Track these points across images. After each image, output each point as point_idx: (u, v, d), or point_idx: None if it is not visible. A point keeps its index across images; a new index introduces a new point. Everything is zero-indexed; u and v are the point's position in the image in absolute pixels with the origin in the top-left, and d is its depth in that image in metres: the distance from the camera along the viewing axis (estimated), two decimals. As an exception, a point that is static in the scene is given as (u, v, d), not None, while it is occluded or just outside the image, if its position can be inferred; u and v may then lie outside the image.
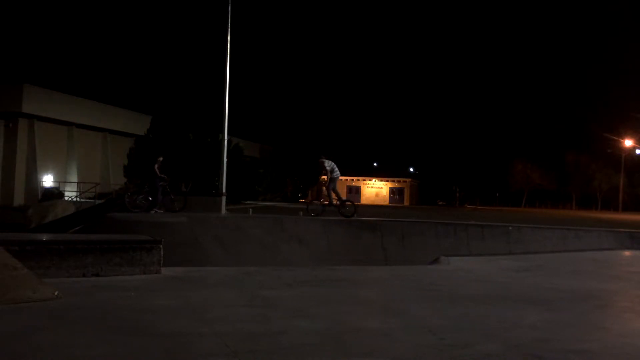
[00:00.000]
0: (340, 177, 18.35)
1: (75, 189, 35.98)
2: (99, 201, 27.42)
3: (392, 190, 68.21)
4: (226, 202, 19.25)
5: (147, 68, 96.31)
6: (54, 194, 32.58)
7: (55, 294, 5.33)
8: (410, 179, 69.86)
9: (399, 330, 4.61)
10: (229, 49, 19.58)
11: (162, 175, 15.96)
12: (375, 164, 79.62)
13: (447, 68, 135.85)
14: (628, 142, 59.10)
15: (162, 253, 7.13)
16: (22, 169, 34.59)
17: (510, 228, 15.28)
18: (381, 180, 68.40)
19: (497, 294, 6.60)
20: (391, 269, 9.90)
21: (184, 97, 37.98)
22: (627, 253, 13.51)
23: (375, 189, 68.02)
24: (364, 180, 68.33)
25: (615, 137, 59.90)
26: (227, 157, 19.96)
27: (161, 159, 16.42)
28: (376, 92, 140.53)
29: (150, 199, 15.75)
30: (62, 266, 6.42)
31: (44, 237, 9.25)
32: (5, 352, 3.64)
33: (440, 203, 69.64)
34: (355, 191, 67.26)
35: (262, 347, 3.93)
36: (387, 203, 63.72)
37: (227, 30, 19.46)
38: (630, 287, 7.63)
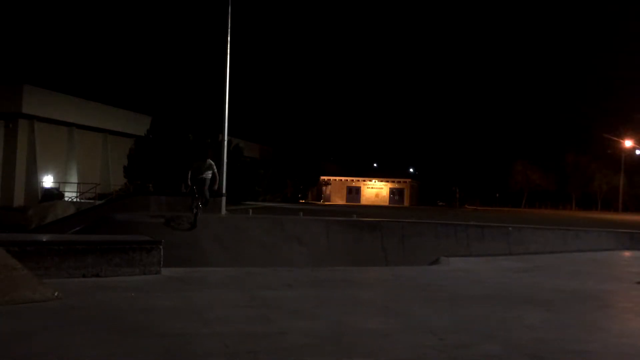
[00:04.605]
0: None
1: (75, 189, 35.95)
2: (99, 202, 27.42)
3: (392, 191, 68.16)
4: (226, 203, 19.25)
5: (147, 68, 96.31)
6: (54, 194, 32.54)
7: (55, 294, 5.33)
8: (410, 180, 69.83)
9: (399, 330, 4.61)
10: (229, 49, 19.59)
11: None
12: (375, 165, 79.70)
13: (447, 68, 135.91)
14: (628, 143, 59.09)
15: (162, 254, 7.13)
16: (22, 169, 34.56)
17: (510, 229, 15.28)
18: (381, 181, 68.38)
19: (497, 295, 6.60)
20: (391, 270, 9.90)
21: (184, 98, 37.98)
22: (626, 253, 13.51)
23: (375, 190, 67.99)
24: (364, 180, 68.30)
25: (615, 138, 59.91)
26: (227, 158, 19.95)
27: None
28: (376, 92, 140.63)
29: None
30: (62, 267, 6.42)
31: (44, 237, 9.25)
32: (4, 353, 3.64)
33: (440, 204, 69.61)
34: (356, 192, 67.26)
35: (262, 347, 3.93)
36: (387, 204, 63.69)
37: (227, 30, 19.48)
38: (629, 288, 7.63)
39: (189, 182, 13.21)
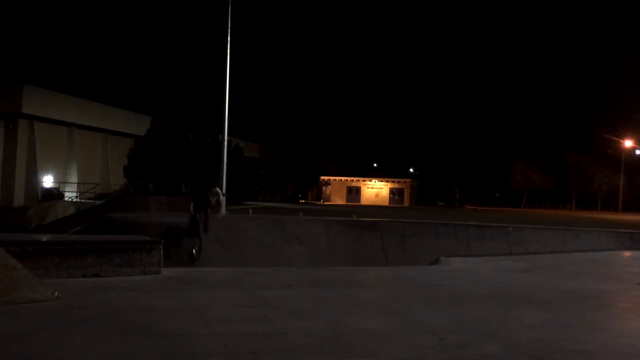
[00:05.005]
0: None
1: (75, 189, 35.93)
2: (99, 202, 27.40)
3: (392, 191, 68.16)
4: (226, 203, 19.25)
5: (147, 68, 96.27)
6: (54, 194, 32.49)
7: (55, 294, 5.33)
8: (410, 180, 69.82)
9: (399, 330, 4.61)
10: (229, 49, 19.59)
11: None
12: (375, 165, 79.72)
13: (447, 68, 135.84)
14: (628, 143, 59.07)
15: (162, 253, 7.13)
16: (22, 169, 34.54)
17: (510, 229, 15.28)
18: (381, 181, 68.37)
19: (497, 295, 6.60)
20: (391, 270, 9.90)
21: (184, 97, 37.99)
22: (626, 253, 13.50)
23: (375, 190, 67.99)
24: (364, 180, 68.29)
25: (615, 138, 59.88)
26: (227, 158, 19.95)
27: None
28: (376, 92, 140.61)
29: None
30: (62, 267, 6.41)
31: (44, 237, 9.25)
32: (4, 353, 3.64)
33: (440, 204, 69.60)
34: (356, 192, 67.25)
35: (262, 347, 3.93)
36: (387, 204, 63.68)
37: (227, 30, 19.47)
38: (629, 288, 7.63)
39: (193, 211, 13.17)
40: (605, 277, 8.62)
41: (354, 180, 68.28)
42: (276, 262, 12.66)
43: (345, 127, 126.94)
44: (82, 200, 31.73)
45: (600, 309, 5.99)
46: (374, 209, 35.39)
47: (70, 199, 32.80)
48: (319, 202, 56.76)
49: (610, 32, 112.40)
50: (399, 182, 68.59)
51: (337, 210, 29.32)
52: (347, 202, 63.53)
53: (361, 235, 14.90)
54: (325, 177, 65.17)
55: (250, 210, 21.23)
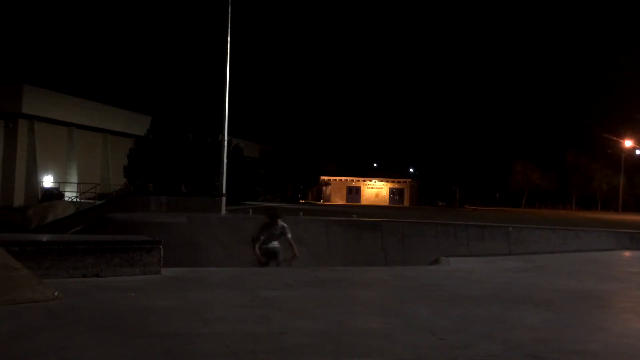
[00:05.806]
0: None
1: (75, 189, 35.95)
2: (99, 202, 27.40)
3: (392, 191, 68.14)
4: (226, 203, 19.26)
5: (147, 68, 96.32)
6: (54, 194, 32.50)
7: (55, 294, 5.33)
8: (410, 180, 69.81)
9: (399, 330, 4.60)
10: (229, 49, 19.59)
11: None
12: (375, 165, 79.79)
13: (447, 68, 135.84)
14: (628, 143, 59.06)
15: (162, 253, 7.12)
16: (22, 169, 34.56)
17: (510, 229, 15.30)
18: (381, 181, 68.36)
19: (497, 295, 6.59)
20: (391, 270, 9.90)
21: (184, 97, 38.03)
22: (627, 253, 13.50)
23: (375, 190, 67.98)
24: (364, 180, 68.29)
25: (615, 138, 59.89)
26: (227, 158, 19.98)
27: None
28: (376, 92, 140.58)
29: None
30: (62, 267, 6.41)
31: (44, 237, 9.25)
32: (4, 353, 3.64)
33: (440, 204, 69.58)
34: (355, 192, 67.26)
35: (262, 347, 3.93)
36: (387, 203, 63.66)
37: (227, 30, 19.48)
38: (630, 288, 7.63)
39: (260, 258, 10.19)
40: (605, 277, 8.62)
41: (354, 180, 68.27)
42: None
43: (345, 127, 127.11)
44: (82, 200, 31.75)
45: (600, 309, 5.99)
46: (374, 209, 35.39)
47: (70, 199, 32.79)
48: (319, 202, 56.78)
49: (610, 32, 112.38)
50: (399, 182, 68.55)
51: (337, 210, 29.33)
52: (347, 202, 63.55)
53: (361, 235, 14.91)
54: (325, 177, 65.17)
55: (251, 210, 21.20)
